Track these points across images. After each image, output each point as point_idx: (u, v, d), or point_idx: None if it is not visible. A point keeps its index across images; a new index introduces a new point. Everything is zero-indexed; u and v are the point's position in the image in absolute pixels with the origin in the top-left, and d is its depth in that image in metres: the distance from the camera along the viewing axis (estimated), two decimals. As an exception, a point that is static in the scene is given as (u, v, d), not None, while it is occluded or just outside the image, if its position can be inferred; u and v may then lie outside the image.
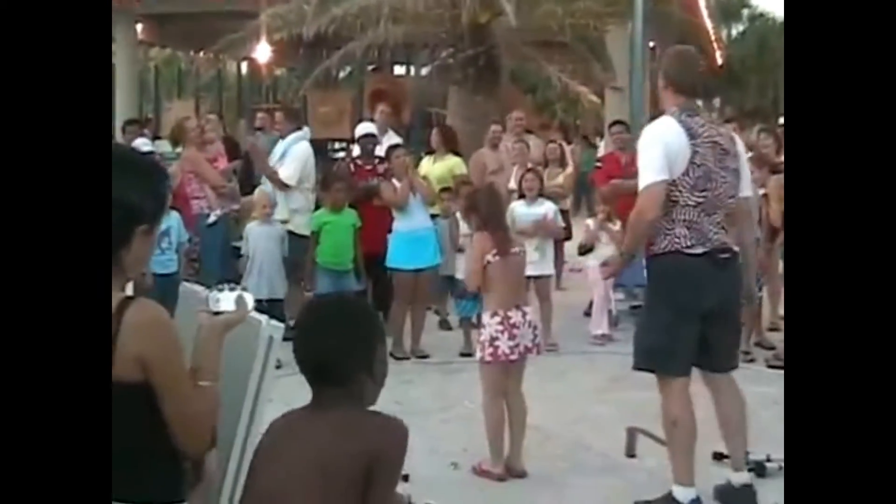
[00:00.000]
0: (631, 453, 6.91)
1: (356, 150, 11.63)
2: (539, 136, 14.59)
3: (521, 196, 10.37)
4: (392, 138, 11.91)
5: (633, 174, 11.68)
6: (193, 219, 9.96)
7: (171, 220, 9.22)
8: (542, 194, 10.44)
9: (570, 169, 13.04)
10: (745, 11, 48.61)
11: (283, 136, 11.06)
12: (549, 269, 10.60)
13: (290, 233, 9.99)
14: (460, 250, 9.78)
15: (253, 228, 9.77)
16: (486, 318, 6.62)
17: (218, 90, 35.01)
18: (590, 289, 10.83)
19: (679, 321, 5.77)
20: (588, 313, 11.01)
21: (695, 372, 5.95)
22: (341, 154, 16.20)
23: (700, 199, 5.69)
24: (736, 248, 5.87)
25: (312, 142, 11.30)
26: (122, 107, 22.63)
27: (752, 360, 9.47)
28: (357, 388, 3.04)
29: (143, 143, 13.92)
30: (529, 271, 8.35)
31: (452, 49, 15.45)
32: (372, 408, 3.12)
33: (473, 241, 6.95)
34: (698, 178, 5.67)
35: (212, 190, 10.34)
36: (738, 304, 6.22)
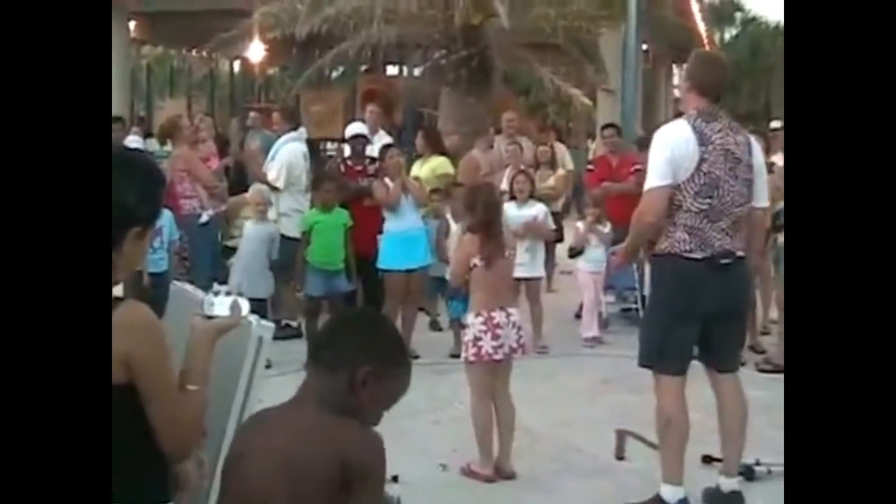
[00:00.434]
0: (620, 455, 6.92)
1: (347, 150, 11.64)
2: (538, 139, 14.57)
3: (513, 198, 10.37)
4: (383, 138, 11.92)
5: (624, 177, 11.76)
6: (183, 218, 9.93)
7: (164, 219, 9.20)
8: (532, 196, 10.45)
9: (561, 171, 13.05)
10: (738, 15, 48.73)
11: (278, 136, 11.07)
12: (539, 271, 10.61)
13: (281, 235, 10.00)
14: (445, 261, 9.73)
15: (246, 226, 9.79)
16: (469, 318, 6.65)
17: (210, 89, 34.97)
18: (580, 291, 10.84)
19: (674, 322, 5.79)
20: (578, 315, 11.02)
21: (694, 373, 5.96)
22: (333, 154, 16.21)
23: (703, 206, 5.69)
24: (741, 254, 5.88)
25: (305, 141, 11.31)
26: (114, 105, 22.50)
27: (742, 364, 9.48)
28: (342, 380, 2.89)
29: (133, 141, 13.91)
30: (520, 273, 8.36)
31: (445, 50, 15.45)
32: None
33: (461, 241, 6.96)
34: (703, 185, 5.67)
35: (204, 190, 10.30)
36: (744, 307, 6.34)
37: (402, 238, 9.73)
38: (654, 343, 5.90)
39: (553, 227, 10.99)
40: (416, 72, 23.03)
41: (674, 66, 34.57)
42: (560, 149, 14.01)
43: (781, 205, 8.45)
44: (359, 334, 2.96)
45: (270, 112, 14.96)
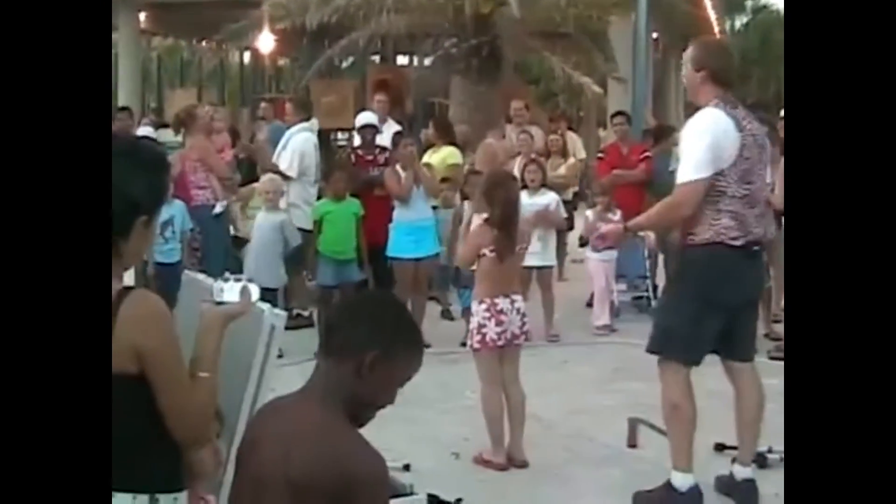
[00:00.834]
0: (632, 444, 6.92)
1: (356, 139, 11.64)
2: (549, 127, 14.57)
3: (524, 186, 10.36)
4: (392, 127, 11.92)
5: (634, 165, 11.73)
6: (196, 209, 9.87)
7: (175, 210, 9.22)
8: (545, 185, 10.44)
9: (573, 159, 13.04)
10: (749, 3, 48.60)
11: (289, 126, 11.06)
12: (551, 260, 10.62)
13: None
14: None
15: (258, 216, 9.79)
16: (474, 306, 6.69)
17: (220, 79, 34.98)
18: (591, 280, 10.83)
19: (708, 313, 5.76)
20: (590, 304, 11.01)
21: (705, 360, 5.96)
22: (343, 144, 16.21)
23: (746, 192, 5.67)
24: (764, 241, 5.90)
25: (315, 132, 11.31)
26: (125, 95, 22.64)
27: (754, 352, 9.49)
28: (344, 369, 2.80)
29: (143, 131, 13.89)
30: (532, 262, 8.35)
31: (455, 39, 15.45)
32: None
33: (475, 230, 6.96)
34: (745, 170, 5.66)
35: (218, 181, 10.21)
36: (760, 294, 6.34)
37: (411, 227, 9.74)
38: (683, 333, 5.80)
39: (565, 215, 10.98)
40: (427, 61, 23.01)
41: (684, 54, 34.54)
42: (571, 137, 13.99)
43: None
44: (364, 319, 2.87)
45: (281, 102, 14.95)
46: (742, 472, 6.07)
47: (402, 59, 28.23)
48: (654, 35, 20.59)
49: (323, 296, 9.65)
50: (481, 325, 6.57)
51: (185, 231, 9.43)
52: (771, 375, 8.22)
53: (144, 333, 2.75)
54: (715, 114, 5.72)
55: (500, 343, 6.56)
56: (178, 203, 9.33)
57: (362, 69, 26.04)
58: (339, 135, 19.16)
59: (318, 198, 10.52)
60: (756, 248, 5.78)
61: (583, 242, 10.92)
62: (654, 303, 11.29)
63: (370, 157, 10.97)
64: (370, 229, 9.90)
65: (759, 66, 43.50)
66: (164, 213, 8.98)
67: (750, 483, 6.05)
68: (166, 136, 12.94)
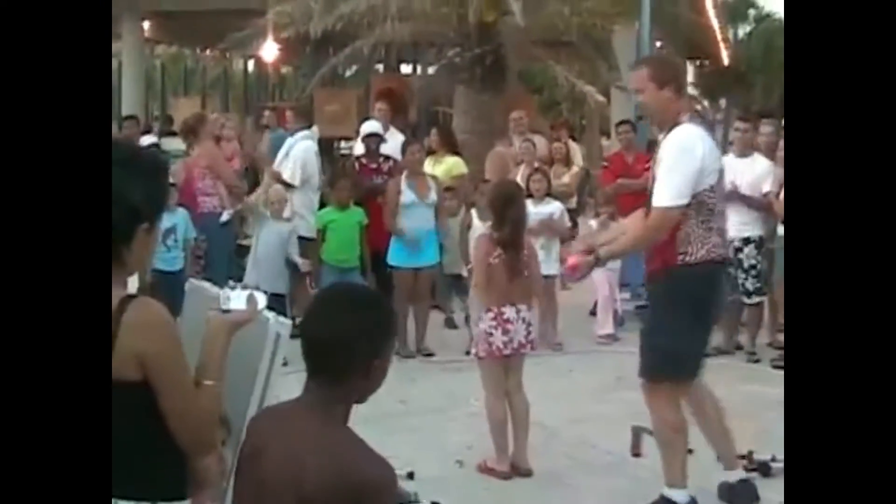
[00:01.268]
0: (636, 452, 6.91)
1: (358, 147, 11.66)
2: (552, 135, 14.59)
3: (529, 195, 10.36)
4: (395, 136, 11.93)
5: (639, 174, 11.75)
6: (202, 216, 9.85)
7: (178, 218, 9.24)
8: (549, 193, 10.44)
9: (575, 168, 13.05)
10: (752, 12, 48.53)
11: (291, 134, 11.07)
12: (554, 268, 10.59)
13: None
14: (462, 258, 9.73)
15: (264, 224, 9.79)
16: (480, 314, 6.68)
17: (224, 88, 35.02)
18: (595, 289, 10.82)
19: (702, 329, 5.77)
20: (593, 313, 11.01)
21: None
22: (347, 153, 16.24)
23: (722, 207, 5.69)
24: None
25: (318, 140, 11.32)
26: (128, 104, 22.66)
27: (757, 361, 9.49)
28: (351, 384, 2.83)
29: (148, 140, 13.88)
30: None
31: (459, 48, 15.46)
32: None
33: (479, 241, 6.97)
34: (721, 184, 5.67)
35: (226, 188, 10.18)
36: None
37: (410, 234, 9.72)
38: (686, 352, 5.73)
39: (569, 224, 10.99)
40: (431, 70, 23.04)
41: (687, 63, 34.51)
42: (572, 146, 13.99)
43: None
44: (356, 335, 2.80)
45: (282, 110, 14.96)
46: (734, 475, 6.09)
47: (405, 68, 28.24)
48: (658, 44, 20.58)
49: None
50: (488, 334, 6.57)
51: (188, 239, 9.44)
52: (773, 384, 8.25)
53: (147, 340, 2.76)
54: (696, 131, 5.67)
55: (506, 352, 6.58)
56: (182, 211, 9.35)
57: (366, 78, 26.04)
58: (343, 143, 19.19)
59: (321, 205, 10.53)
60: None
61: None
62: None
63: (374, 166, 11.02)
64: (374, 237, 9.94)
65: (763, 74, 43.42)
66: (167, 221, 9.00)
67: (746, 483, 6.07)
68: (171, 144, 12.94)
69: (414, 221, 9.73)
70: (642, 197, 11.41)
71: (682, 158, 5.56)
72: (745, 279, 9.62)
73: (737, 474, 6.10)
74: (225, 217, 10.01)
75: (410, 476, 6.19)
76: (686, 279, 5.68)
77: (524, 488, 6.44)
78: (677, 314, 5.71)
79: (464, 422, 7.52)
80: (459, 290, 10.25)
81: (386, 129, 11.91)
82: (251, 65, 34.27)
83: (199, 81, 36.77)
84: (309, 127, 11.29)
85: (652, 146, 13.53)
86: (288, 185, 10.40)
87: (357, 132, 12.61)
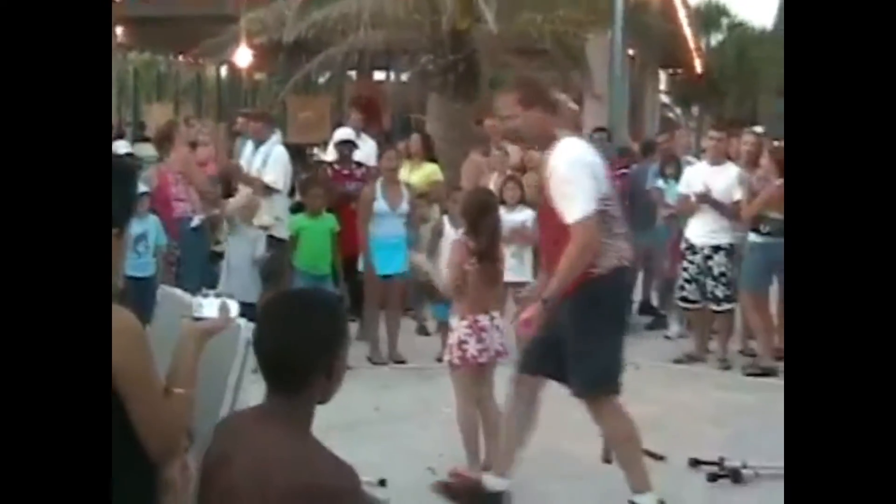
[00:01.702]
0: (608, 459, 6.92)
1: (329, 154, 11.71)
2: (523, 144, 14.59)
3: (502, 202, 10.36)
4: (367, 142, 11.99)
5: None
6: (175, 222, 9.84)
7: (149, 224, 9.21)
8: (523, 201, 10.45)
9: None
10: (725, 20, 48.79)
11: (260, 141, 10.98)
12: (527, 275, 10.61)
13: (273, 237, 10.01)
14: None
15: (237, 231, 9.77)
16: (454, 322, 6.67)
17: (197, 94, 34.96)
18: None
19: (620, 337, 5.79)
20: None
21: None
22: (321, 160, 16.24)
23: (619, 212, 5.76)
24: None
25: (292, 146, 11.33)
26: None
27: (728, 368, 9.53)
28: (312, 390, 2.82)
29: (122, 146, 13.84)
30: (507, 277, 8.34)
31: (432, 55, 15.47)
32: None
33: (453, 247, 6.97)
34: (612, 191, 5.76)
35: (198, 194, 10.18)
36: None
37: (381, 244, 9.74)
38: (608, 365, 5.74)
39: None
40: (404, 77, 23.06)
41: (660, 71, 34.65)
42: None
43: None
44: (316, 346, 2.80)
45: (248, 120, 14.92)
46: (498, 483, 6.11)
47: (379, 75, 28.27)
48: (631, 52, 20.67)
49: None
50: (462, 342, 6.55)
51: (159, 246, 9.41)
52: (744, 390, 8.30)
53: (116, 347, 2.74)
54: (578, 144, 5.74)
55: (481, 360, 6.55)
56: (153, 218, 9.32)
57: (339, 84, 26.08)
58: (316, 150, 19.21)
59: (292, 210, 10.58)
60: None
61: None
62: (629, 319, 11.32)
63: (347, 172, 11.05)
64: (346, 243, 9.94)
65: (736, 83, 43.67)
66: (138, 227, 8.98)
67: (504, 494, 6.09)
68: (144, 150, 12.89)
69: (384, 229, 9.74)
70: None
71: (576, 169, 5.55)
72: (716, 286, 9.67)
73: (500, 483, 6.11)
74: (196, 222, 9.99)
75: (382, 483, 6.19)
76: (601, 290, 5.62)
77: (496, 495, 6.43)
78: (600, 326, 5.66)
79: (436, 429, 7.52)
80: (431, 296, 10.25)
81: (358, 135, 11.96)
82: (224, 71, 34.21)
83: (171, 87, 36.70)
84: (274, 132, 11.29)
85: (623, 153, 13.63)
86: (270, 191, 10.38)
87: (330, 139, 12.64)
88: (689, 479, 6.29)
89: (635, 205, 11.81)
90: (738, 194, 9.63)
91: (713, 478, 6.38)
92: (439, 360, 9.32)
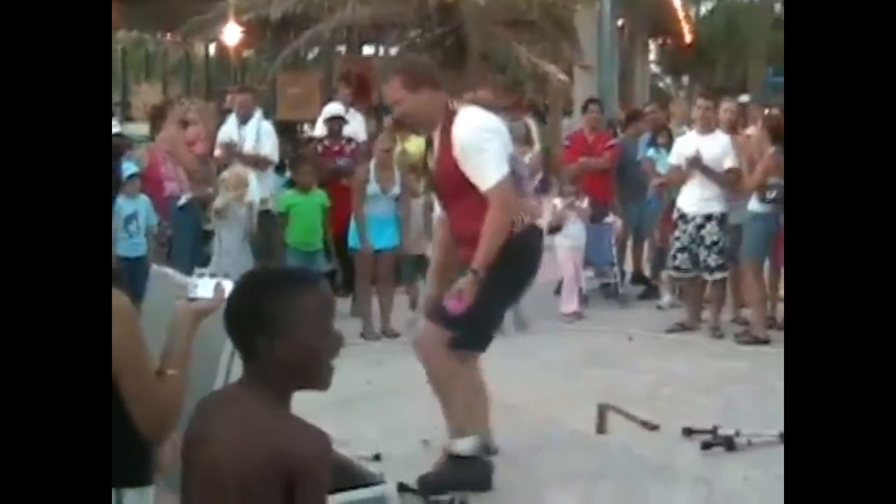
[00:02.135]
0: (601, 430, 6.96)
1: (318, 129, 11.72)
2: (513, 115, 14.55)
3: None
4: (356, 118, 12.02)
5: (599, 153, 11.74)
6: (165, 201, 9.89)
7: (139, 204, 9.22)
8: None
9: (537, 147, 13.04)
10: (714, -11, 48.67)
11: (245, 116, 10.95)
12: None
13: (268, 213, 10.08)
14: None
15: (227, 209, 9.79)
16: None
17: (186, 73, 34.81)
18: (559, 267, 10.86)
19: (514, 298, 6.00)
20: (558, 292, 11.04)
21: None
22: (311, 136, 16.25)
23: (524, 172, 5.85)
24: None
25: (282, 123, 11.34)
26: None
27: (721, 337, 9.55)
28: (266, 365, 2.71)
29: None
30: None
31: (420, 29, 15.45)
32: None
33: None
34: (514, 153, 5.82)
35: (185, 173, 10.21)
36: None
37: (371, 219, 9.74)
38: (491, 322, 5.76)
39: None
40: (393, 51, 22.98)
41: (650, 41, 34.57)
42: (531, 126, 13.98)
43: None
44: (243, 326, 2.73)
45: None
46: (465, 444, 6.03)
47: (368, 50, 28.16)
48: (620, 22, 20.60)
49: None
50: None
51: (150, 226, 9.41)
52: (737, 359, 8.33)
53: None
54: (480, 112, 5.75)
55: None
56: (143, 197, 9.33)
57: (328, 60, 25.97)
58: (306, 126, 19.19)
59: (284, 187, 10.64)
60: None
61: (551, 230, 10.95)
62: (621, 290, 11.38)
63: (337, 148, 11.05)
64: (337, 219, 9.96)
65: (725, 51, 43.57)
66: (129, 207, 9.00)
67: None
68: (133, 129, 12.86)
69: (375, 209, 9.74)
70: (605, 176, 11.57)
71: (482, 136, 5.55)
72: (708, 255, 9.67)
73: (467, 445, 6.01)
74: (182, 201, 10.02)
75: (377, 457, 6.20)
76: (517, 248, 5.60)
77: (491, 467, 6.45)
78: (497, 282, 5.57)
79: (430, 402, 7.52)
80: (423, 271, 10.26)
81: (347, 111, 11.97)
82: (213, 49, 34.04)
83: (159, 66, 36.52)
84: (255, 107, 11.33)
85: (612, 124, 13.62)
86: (266, 164, 10.45)
87: (320, 115, 12.64)
88: (682, 448, 6.31)
89: (626, 175, 11.84)
90: (728, 162, 9.64)
91: (707, 446, 6.40)
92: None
